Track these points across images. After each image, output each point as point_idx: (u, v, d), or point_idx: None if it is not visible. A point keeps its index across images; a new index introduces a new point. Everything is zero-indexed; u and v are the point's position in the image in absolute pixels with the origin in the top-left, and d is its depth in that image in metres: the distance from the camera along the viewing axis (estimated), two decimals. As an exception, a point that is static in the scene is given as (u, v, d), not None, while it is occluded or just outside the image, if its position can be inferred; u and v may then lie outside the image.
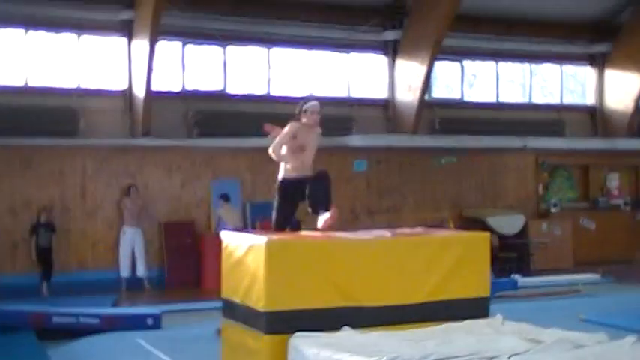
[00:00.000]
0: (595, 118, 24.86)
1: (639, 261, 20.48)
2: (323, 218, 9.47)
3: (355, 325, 8.08)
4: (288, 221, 10.10)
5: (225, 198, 18.20)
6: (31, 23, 18.62)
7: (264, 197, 18.35)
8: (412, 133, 21.43)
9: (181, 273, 18.01)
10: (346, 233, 9.97)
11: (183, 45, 20.14)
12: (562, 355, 7.23)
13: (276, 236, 9.16)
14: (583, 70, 25.15)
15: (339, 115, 21.08)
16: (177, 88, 20.08)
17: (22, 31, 18.76)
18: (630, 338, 7.74)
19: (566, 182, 23.83)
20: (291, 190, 9.72)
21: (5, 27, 18.68)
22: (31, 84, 18.90)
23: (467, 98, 23.57)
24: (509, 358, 7.10)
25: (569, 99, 25.04)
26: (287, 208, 9.94)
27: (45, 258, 17.68)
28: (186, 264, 18.18)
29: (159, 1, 17.69)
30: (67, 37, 19.30)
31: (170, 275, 18.29)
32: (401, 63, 21.76)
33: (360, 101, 21.98)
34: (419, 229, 10.55)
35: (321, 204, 9.50)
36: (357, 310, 8.31)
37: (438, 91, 23.10)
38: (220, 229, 14.94)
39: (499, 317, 9.06)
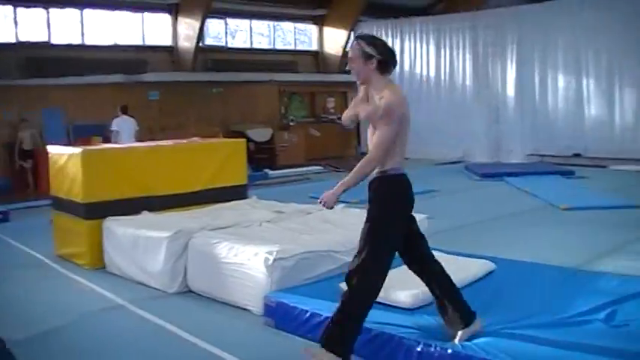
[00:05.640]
0: (317, 59, 25.46)
1: (348, 156, 21.38)
2: None
3: (151, 209, 8.16)
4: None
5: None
6: None
7: (84, 121, 17.99)
8: (191, 70, 21.29)
9: (23, 180, 17.19)
10: (143, 143, 9.95)
11: (15, 8, 18.95)
12: (297, 220, 7.61)
13: (88, 147, 9.08)
14: (309, 27, 25.56)
15: (136, 59, 20.65)
16: (12, 40, 18.94)
17: None
18: (341, 205, 8.22)
19: (300, 104, 24.37)
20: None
21: None
22: None
23: (230, 45, 23.49)
24: (260, 224, 7.39)
25: (301, 47, 25.44)
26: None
27: None
28: (26, 173, 17.26)
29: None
30: None
31: (15, 182, 17.45)
32: (181, 20, 21.40)
33: (152, 48, 21.49)
34: (196, 139, 10.63)
35: None
36: (153, 198, 8.38)
37: (210, 40, 22.86)
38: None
39: (254, 198, 9.35)
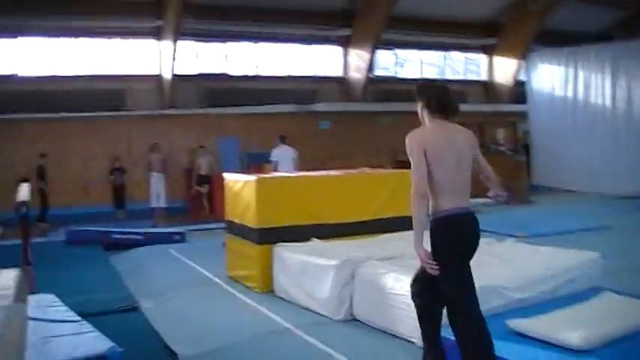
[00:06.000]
0: (487, 89, 25.13)
1: (518, 189, 20.74)
2: None
3: (320, 237, 8.29)
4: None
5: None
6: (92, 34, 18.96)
7: (257, 149, 18.46)
8: (361, 101, 21.63)
9: (198, 204, 18.01)
10: (314, 172, 10.15)
11: (197, 42, 20.12)
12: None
13: (262, 175, 9.37)
14: (479, 56, 25.31)
15: (308, 89, 21.26)
16: (193, 72, 20.07)
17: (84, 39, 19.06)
18: (510, 240, 8.02)
19: (468, 134, 24.10)
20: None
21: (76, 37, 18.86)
22: (96, 73, 19.04)
23: (400, 76, 23.68)
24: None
25: (470, 76, 25.23)
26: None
27: (119, 193, 17.74)
28: (201, 197, 18.02)
29: (178, 12, 17.73)
30: (116, 41, 19.38)
31: (191, 205, 18.35)
32: (352, 52, 21.83)
33: (323, 79, 22.05)
34: (366, 169, 10.71)
35: None
36: (322, 226, 8.50)
37: (380, 71, 23.18)
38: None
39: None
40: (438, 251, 4.30)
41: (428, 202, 4.38)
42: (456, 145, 4.43)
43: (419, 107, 4.60)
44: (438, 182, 4.32)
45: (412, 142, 4.35)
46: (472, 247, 4.42)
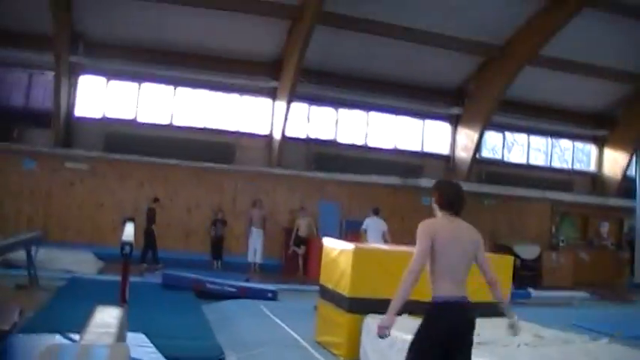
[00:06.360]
0: (595, 181, 24.50)
1: (618, 286, 19.95)
2: None
3: (412, 313, 8.19)
4: None
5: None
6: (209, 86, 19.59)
7: (356, 217, 18.48)
8: (465, 180, 21.45)
9: (294, 264, 18.17)
10: (410, 247, 10.11)
11: (309, 106, 20.55)
12: (556, 348, 7.25)
13: (359, 244, 9.37)
14: (588, 147, 24.80)
15: (414, 164, 21.30)
16: (302, 136, 20.46)
17: (205, 91, 19.73)
18: (605, 340, 7.74)
19: (571, 225, 23.51)
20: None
21: (195, 88, 19.54)
22: (210, 126, 19.73)
23: (506, 159, 23.46)
24: (518, 346, 7.16)
25: (578, 166, 24.70)
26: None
27: (218, 244, 18.02)
28: (297, 258, 18.25)
29: (295, 76, 18.20)
30: (233, 97, 20.04)
31: (286, 264, 18.51)
32: (461, 130, 21.81)
33: (430, 155, 22.06)
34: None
35: None
36: (415, 302, 8.40)
37: (486, 152, 23.05)
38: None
39: (514, 317, 9.05)
40: (425, 327, 4.85)
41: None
42: (461, 239, 4.90)
43: (432, 200, 5.10)
44: (441, 268, 4.79)
45: (424, 228, 4.84)
46: (461, 334, 4.79)
